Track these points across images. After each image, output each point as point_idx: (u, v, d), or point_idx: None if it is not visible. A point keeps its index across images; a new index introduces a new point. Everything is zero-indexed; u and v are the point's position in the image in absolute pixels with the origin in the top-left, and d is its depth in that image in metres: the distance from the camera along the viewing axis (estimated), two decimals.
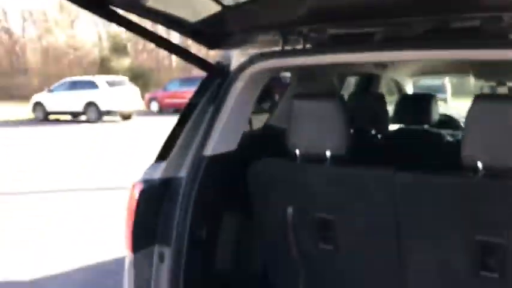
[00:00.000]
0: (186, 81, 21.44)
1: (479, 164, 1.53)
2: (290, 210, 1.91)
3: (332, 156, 1.80)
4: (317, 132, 1.83)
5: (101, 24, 50.52)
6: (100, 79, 20.30)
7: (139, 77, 34.60)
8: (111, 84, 19.89)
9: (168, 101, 22.25)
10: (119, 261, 2.12)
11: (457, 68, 3.82)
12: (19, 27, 49.10)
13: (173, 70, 39.71)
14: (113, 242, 4.68)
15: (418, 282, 1.77)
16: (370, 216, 1.79)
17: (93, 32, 45.85)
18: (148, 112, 22.96)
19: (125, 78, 22.05)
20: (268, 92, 2.83)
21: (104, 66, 40.80)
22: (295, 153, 1.88)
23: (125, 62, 40.71)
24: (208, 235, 1.92)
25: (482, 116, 1.55)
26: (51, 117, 20.82)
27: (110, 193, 7.08)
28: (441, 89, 29.71)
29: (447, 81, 32.32)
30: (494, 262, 1.58)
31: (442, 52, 1.57)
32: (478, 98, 1.58)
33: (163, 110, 22.40)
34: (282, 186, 1.97)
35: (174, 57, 51.60)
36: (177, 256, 1.74)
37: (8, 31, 47.75)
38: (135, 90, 20.64)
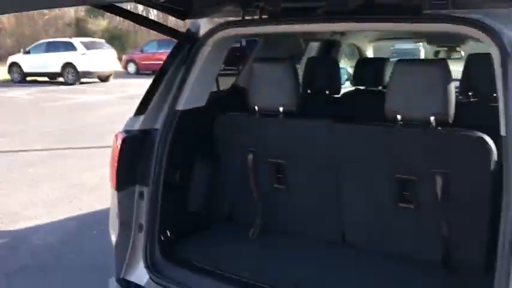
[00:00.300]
0: (163, 43, 21.35)
1: (398, 116, 1.90)
2: (250, 156, 2.27)
3: (284, 111, 2.16)
4: (272, 91, 2.18)
5: None
6: (77, 40, 20.17)
7: (116, 39, 34.24)
8: (88, 45, 19.79)
9: (145, 62, 22.21)
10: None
11: (410, 35, 4.17)
12: None
13: (150, 32, 39.22)
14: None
15: (351, 213, 2.16)
16: (313, 159, 2.16)
17: None
18: (125, 74, 22.94)
19: (102, 40, 21.94)
20: (242, 57, 3.15)
21: (80, 28, 40.02)
22: (254, 109, 2.23)
23: (102, 23, 40.03)
24: (181, 178, 2.27)
25: (400, 78, 1.91)
26: (29, 78, 20.67)
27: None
28: (416, 52, 30.02)
29: (421, 46, 32.58)
30: (410, 195, 1.97)
31: (370, 24, 1.91)
32: (397, 63, 1.94)
33: (140, 72, 22.41)
34: (243, 136, 2.33)
35: (152, 17, 50.49)
36: (155, 194, 2.08)
37: None
38: (112, 52, 20.55)
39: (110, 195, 2.13)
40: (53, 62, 19.40)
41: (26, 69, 20.46)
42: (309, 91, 3.10)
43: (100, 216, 4.45)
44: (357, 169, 2.08)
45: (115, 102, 13.35)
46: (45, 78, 20.45)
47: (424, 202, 1.95)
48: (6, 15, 47.97)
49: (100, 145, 7.25)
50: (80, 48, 19.39)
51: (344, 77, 4.40)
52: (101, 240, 3.84)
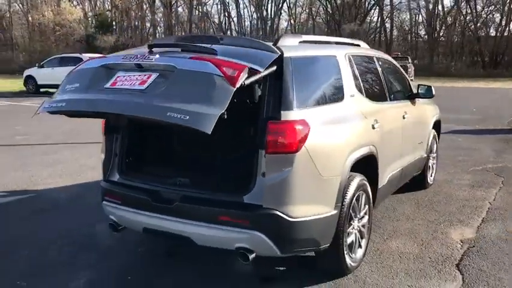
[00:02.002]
0: None
1: None
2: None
3: None
4: None
5: (87, 2, 51.67)
6: (86, 56, 22.28)
7: None
8: None
9: None
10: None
11: None
12: (5, 2, 50.21)
13: None
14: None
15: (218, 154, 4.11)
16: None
17: (78, 9, 46.98)
18: None
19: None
20: None
21: (89, 44, 42.26)
22: None
23: (110, 39, 42.21)
24: (136, 131, 4.07)
25: None
26: (42, 90, 22.73)
27: None
28: (404, 69, 31.84)
29: (410, 63, 34.29)
30: (242, 141, 3.87)
31: None
32: None
33: None
34: None
35: (159, 34, 52.55)
36: (123, 138, 3.95)
37: None
38: None
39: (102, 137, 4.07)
40: (64, 75, 21.08)
41: (39, 82, 22.60)
42: None
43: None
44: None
45: None
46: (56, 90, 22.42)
47: (249, 146, 3.58)
48: (20, 31, 49.73)
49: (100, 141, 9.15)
50: None
51: None
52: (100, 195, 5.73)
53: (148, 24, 55.96)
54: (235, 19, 58.64)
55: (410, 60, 34.12)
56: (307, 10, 57.62)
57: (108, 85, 3.28)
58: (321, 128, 3.40)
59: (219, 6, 58.59)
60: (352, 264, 3.85)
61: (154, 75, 3.18)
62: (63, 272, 3.96)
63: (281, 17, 58.46)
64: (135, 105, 3.04)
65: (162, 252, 4.43)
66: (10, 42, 49.44)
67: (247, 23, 58.82)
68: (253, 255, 3.27)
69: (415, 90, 5.71)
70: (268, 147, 3.18)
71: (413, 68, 33.97)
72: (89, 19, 47.94)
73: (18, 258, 4.27)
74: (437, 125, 6.53)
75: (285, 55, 3.35)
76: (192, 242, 3.44)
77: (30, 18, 48.58)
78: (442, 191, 6.35)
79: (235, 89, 2.91)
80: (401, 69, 5.75)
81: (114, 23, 50.24)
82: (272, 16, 56.46)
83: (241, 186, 3.30)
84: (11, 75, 32.96)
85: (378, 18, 55.23)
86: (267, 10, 56.43)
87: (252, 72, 3.05)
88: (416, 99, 5.69)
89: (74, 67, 3.78)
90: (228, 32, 55.60)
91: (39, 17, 45.52)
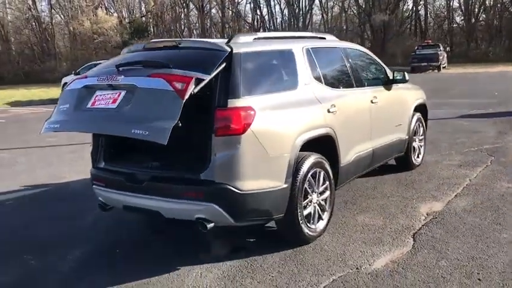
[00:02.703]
0: None
1: None
2: None
3: None
4: None
5: (124, 9, 53.32)
6: None
7: None
8: None
9: None
10: None
11: None
12: (47, 14, 52.52)
13: None
14: None
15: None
16: None
17: (114, 17, 48.50)
18: None
19: None
20: None
21: None
22: None
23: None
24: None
25: None
26: None
27: None
28: (434, 57, 31.52)
29: (442, 51, 34.00)
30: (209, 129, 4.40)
31: None
32: None
33: None
34: None
35: (194, 36, 53.56)
36: (108, 135, 4.56)
37: (37, 19, 51.29)
38: None
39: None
40: None
41: None
42: None
43: None
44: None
45: None
46: None
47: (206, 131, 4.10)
48: (62, 41, 51.60)
49: None
50: None
51: None
52: None
53: (182, 27, 57.25)
54: (266, 17, 59.09)
55: (441, 48, 33.77)
56: (340, 4, 57.39)
57: (89, 105, 3.96)
58: (267, 112, 3.90)
59: (251, 5, 58.99)
60: (311, 233, 4.30)
61: (123, 93, 3.82)
62: (63, 247, 4.61)
63: (313, 12, 58.49)
64: (108, 125, 3.82)
65: (149, 230, 5.04)
66: (53, 52, 51.58)
67: (279, 20, 59.16)
68: (212, 224, 3.80)
69: (391, 77, 6.07)
70: (218, 131, 3.71)
71: (445, 55, 33.63)
72: (126, 25, 49.45)
73: (28, 236, 4.96)
74: (421, 109, 6.83)
75: (234, 51, 3.87)
76: (161, 215, 4.01)
77: (71, 28, 50.52)
78: (427, 171, 6.67)
79: (184, 100, 3.47)
80: (377, 58, 6.12)
81: (150, 27, 51.66)
82: (304, 12, 56.59)
83: (199, 165, 3.84)
84: (53, 83, 34.61)
85: (411, 7, 54.44)
86: (299, 6, 56.58)
87: (199, 80, 3.59)
88: (394, 84, 6.06)
89: (66, 86, 4.41)
90: (261, 30, 56.10)
91: (79, 26, 47.27)
